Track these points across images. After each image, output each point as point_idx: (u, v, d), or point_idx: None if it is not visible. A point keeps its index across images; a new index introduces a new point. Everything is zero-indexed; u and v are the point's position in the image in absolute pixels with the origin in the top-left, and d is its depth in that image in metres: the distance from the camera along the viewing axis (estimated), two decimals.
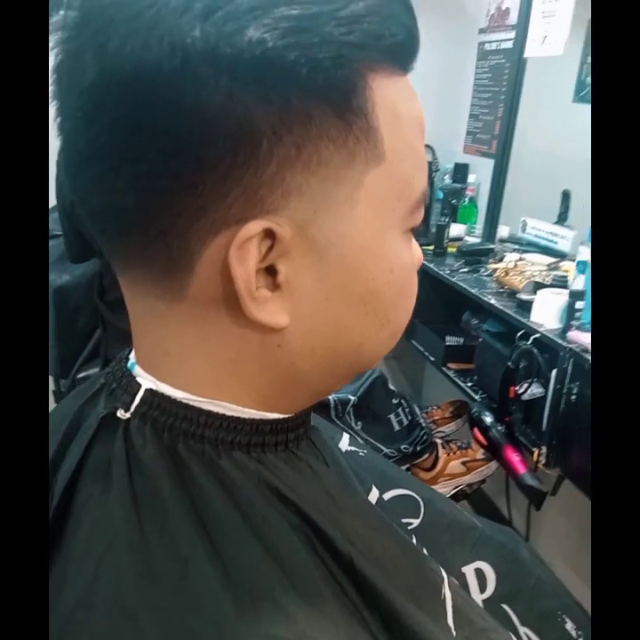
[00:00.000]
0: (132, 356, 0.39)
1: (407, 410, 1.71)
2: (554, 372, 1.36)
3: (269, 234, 0.31)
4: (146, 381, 0.36)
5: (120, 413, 0.36)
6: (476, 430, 1.49)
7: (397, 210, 0.35)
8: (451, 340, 1.82)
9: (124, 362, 0.39)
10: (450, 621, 0.39)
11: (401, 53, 0.32)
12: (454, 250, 2.07)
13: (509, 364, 1.43)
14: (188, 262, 0.32)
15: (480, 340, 1.70)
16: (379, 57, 0.31)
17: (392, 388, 1.73)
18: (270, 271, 0.33)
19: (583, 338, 1.37)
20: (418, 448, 1.66)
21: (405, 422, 1.69)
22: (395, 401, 1.70)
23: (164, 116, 0.29)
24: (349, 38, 0.29)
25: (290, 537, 0.34)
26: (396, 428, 1.67)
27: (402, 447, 1.62)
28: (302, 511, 0.35)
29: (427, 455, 1.69)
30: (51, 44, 0.33)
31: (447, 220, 2.08)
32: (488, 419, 1.48)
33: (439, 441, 1.77)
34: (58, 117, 0.33)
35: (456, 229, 2.16)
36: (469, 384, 1.73)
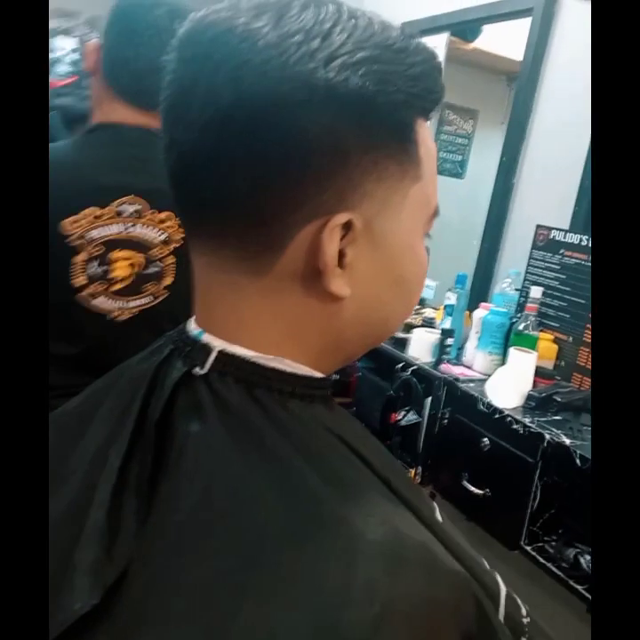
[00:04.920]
0: (193, 326, 0.47)
1: None
2: (429, 399, 1.55)
3: (347, 224, 0.41)
4: (217, 344, 0.45)
5: (197, 370, 0.44)
6: None
7: (423, 217, 0.47)
8: None
9: (186, 332, 0.47)
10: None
11: (436, 105, 0.45)
12: None
13: (391, 392, 1.60)
14: (281, 243, 0.40)
15: (358, 375, 1.86)
16: (426, 105, 0.44)
17: None
18: (339, 254, 0.43)
19: (453, 369, 1.58)
20: None
21: None
22: None
23: (288, 133, 0.38)
24: (414, 90, 0.41)
25: (352, 456, 0.43)
26: None
27: None
28: (351, 445, 0.44)
29: None
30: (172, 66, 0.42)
31: None
32: None
33: None
34: (175, 127, 0.42)
35: None
36: None
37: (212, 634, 0.34)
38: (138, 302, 1.16)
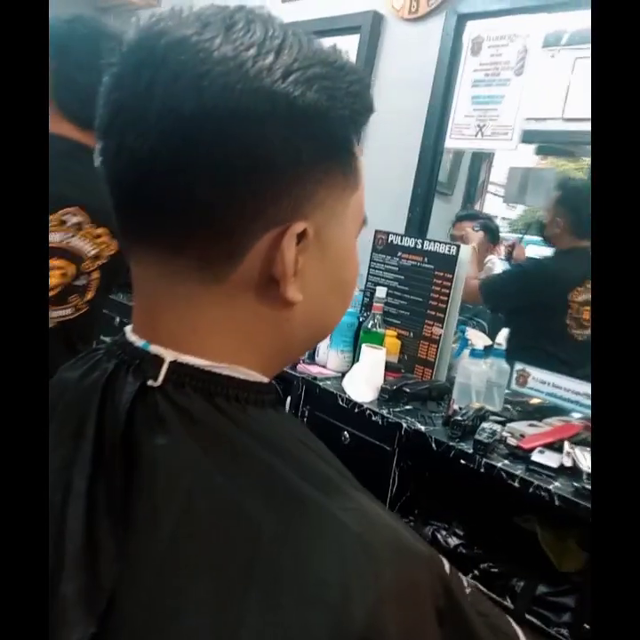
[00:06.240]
0: (135, 338, 0.45)
1: None
2: (288, 399, 1.59)
3: (301, 233, 0.42)
4: (168, 355, 0.44)
5: (151, 382, 0.42)
6: None
7: (358, 225, 0.50)
8: None
9: (128, 345, 0.45)
10: None
11: (367, 121, 0.49)
12: None
13: None
14: (241, 252, 0.41)
15: None
16: (362, 121, 0.47)
17: None
18: None
19: (310, 369, 1.64)
20: None
21: None
22: None
23: (251, 143, 0.39)
24: (355, 107, 0.43)
25: (313, 454, 0.45)
26: None
27: None
28: (308, 444, 0.46)
29: None
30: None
31: None
32: None
33: None
34: (127, 133, 0.40)
35: None
36: None
37: None
38: (60, 313, 1.17)
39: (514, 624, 0.47)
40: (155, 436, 0.41)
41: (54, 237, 1.13)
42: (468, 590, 0.48)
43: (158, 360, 0.43)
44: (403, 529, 0.42)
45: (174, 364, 0.43)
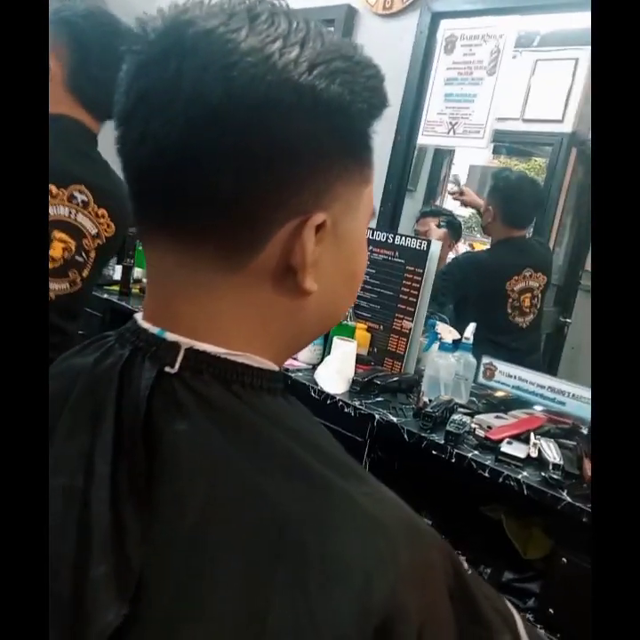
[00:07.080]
0: (148, 325, 0.45)
1: None
2: None
3: (320, 224, 0.43)
4: (185, 342, 0.44)
5: (168, 369, 0.43)
6: None
7: (368, 216, 0.51)
8: None
9: (142, 331, 0.45)
10: None
11: (382, 115, 0.50)
12: (137, 291, 2.21)
13: None
14: (262, 241, 0.42)
15: None
16: (378, 115, 0.48)
17: None
18: None
19: None
20: None
21: None
22: None
23: (277, 134, 0.39)
24: (373, 101, 0.44)
25: (325, 440, 0.46)
26: None
27: None
28: (319, 431, 0.47)
29: None
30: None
31: (132, 262, 2.18)
32: None
33: None
34: (152, 120, 0.40)
35: (139, 272, 2.29)
36: None
37: (249, 624, 0.35)
38: (59, 286, 1.21)
39: (511, 607, 0.49)
40: (174, 421, 0.41)
41: (62, 211, 1.18)
42: (469, 572, 0.50)
43: (175, 347, 0.43)
44: (412, 512, 0.44)
45: (191, 352, 0.43)
